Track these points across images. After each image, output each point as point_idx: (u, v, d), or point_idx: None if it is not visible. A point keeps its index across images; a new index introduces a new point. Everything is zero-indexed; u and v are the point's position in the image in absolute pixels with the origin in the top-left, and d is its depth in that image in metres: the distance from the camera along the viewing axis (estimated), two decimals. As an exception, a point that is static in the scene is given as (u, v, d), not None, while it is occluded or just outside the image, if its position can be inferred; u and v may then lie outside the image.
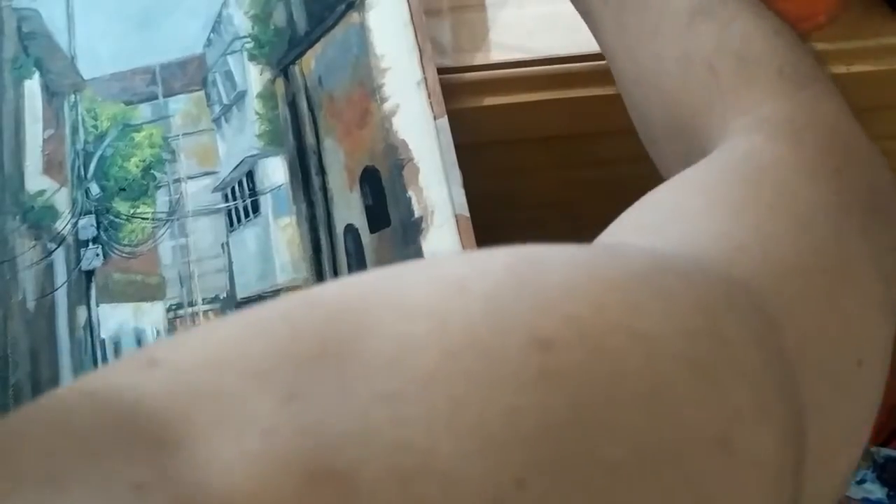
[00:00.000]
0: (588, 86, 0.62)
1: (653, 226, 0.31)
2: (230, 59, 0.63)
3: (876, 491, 0.81)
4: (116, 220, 0.60)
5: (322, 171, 0.60)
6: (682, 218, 0.30)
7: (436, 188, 0.57)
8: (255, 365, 0.20)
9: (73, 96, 0.64)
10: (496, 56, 0.62)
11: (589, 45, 0.62)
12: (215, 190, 0.61)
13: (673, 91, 0.40)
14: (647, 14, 0.42)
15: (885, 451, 0.83)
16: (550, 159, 0.64)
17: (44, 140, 0.63)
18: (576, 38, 0.62)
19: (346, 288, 0.24)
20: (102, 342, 0.58)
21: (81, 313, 0.58)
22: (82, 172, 0.61)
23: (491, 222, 0.57)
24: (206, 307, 0.58)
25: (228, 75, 0.63)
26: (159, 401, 0.20)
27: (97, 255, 0.59)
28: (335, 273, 0.57)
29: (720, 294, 0.24)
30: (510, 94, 0.62)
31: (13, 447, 0.19)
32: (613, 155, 0.66)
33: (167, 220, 0.60)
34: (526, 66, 0.62)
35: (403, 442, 0.18)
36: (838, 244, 0.30)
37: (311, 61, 0.62)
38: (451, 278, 0.22)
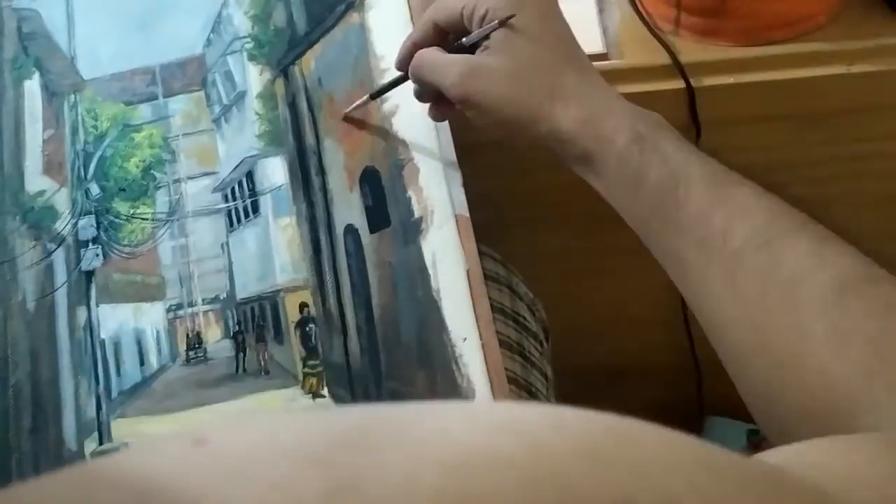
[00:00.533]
0: None
1: (835, 473, 0.28)
2: (230, 59, 0.64)
3: None
4: (116, 220, 0.60)
5: (322, 172, 0.60)
6: (864, 478, 0.29)
7: (436, 188, 0.57)
8: (308, 455, 0.21)
9: (72, 96, 0.64)
10: None
11: (586, 45, 0.62)
12: (215, 190, 0.61)
13: (821, 369, 0.38)
14: (776, 277, 0.39)
15: None
16: (548, 159, 0.64)
17: (44, 140, 0.63)
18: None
19: (417, 403, 0.25)
20: (102, 342, 0.58)
21: (81, 313, 0.58)
22: (82, 173, 0.62)
23: (490, 222, 0.57)
24: (206, 307, 0.58)
25: (228, 75, 0.63)
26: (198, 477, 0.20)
27: (97, 255, 0.59)
28: (335, 273, 0.58)
29: None
30: None
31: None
32: None
33: (167, 221, 0.60)
34: None
35: None
36: None
37: (310, 62, 0.62)
38: (550, 415, 0.23)
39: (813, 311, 0.38)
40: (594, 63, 0.61)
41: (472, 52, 0.51)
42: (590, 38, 0.63)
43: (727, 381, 0.82)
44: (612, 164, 0.45)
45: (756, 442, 0.82)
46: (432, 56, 0.52)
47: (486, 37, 0.50)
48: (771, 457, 0.31)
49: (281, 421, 0.24)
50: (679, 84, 0.61)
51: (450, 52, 0.52)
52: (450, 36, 0.53)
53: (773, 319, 0.40)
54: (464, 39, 0.52)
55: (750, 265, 0.41)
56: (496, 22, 0.49)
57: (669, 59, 0.61)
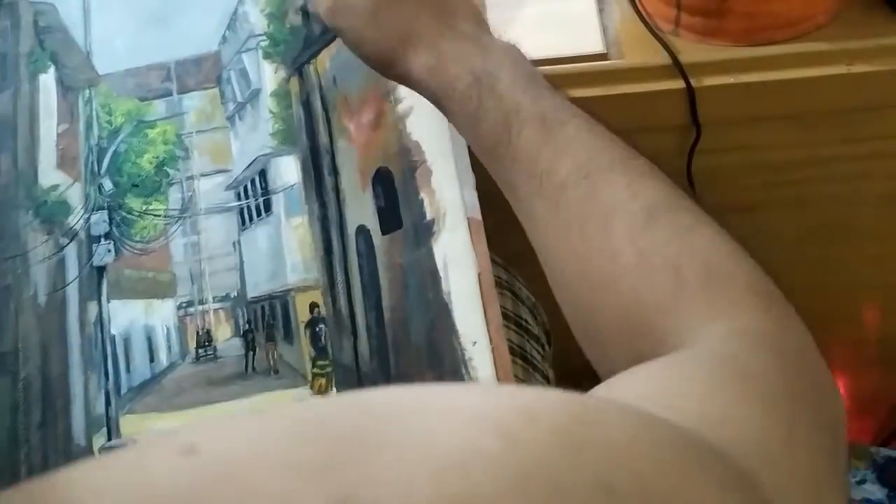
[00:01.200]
0: (586, 85, 0.62)
1: (659, 402, 0.31)
2: (245, 56, 0.64)
3: (876, 491, 0.81)
4: (129, 216, 0.60)
5: (335, 172, 0.60)
6: (685, 399, 0.33)
7: (448, 191, 0.57)
8: (305, 465, 0.21)
9: (87, 91, 0.64)
10: None
11: (586, 45, 0.62)
12: (228, 188, 0.61)
13: (630, 290, 0.41)
14: (592, 208, 0.43)
15: (885, 452, 0.83)
16: None
17: (58, 135, 0.63)
18: (573, 39, 0.62)
19: (398, 393, 0.26)
20: (113, 338, 0.58)
21: (92, 309, 0.59)
22: (96, 168, 0.62)
23: (491, 224, 0.57)
24: (217, 305, 0.59)
25: (243, 73, 0.63)
26: (194, 491, 0.20)
27: (109, 250, 0.60)
28: (346, 274, 0.58)
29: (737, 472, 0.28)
30: None
31: None
32: None
33: (179, 218, 0.60)
34: None
35: None
36: (817, 458, 0.33)
37: (325, 61, 0.62)
38: (519, 405, 0.24)
39: (624, 238, 0.42)
40: (592, 63, 0.61)
41: None
42: (590, 38, 0.63)
43: None
44: (454, 107, 0.49)
45: None
46: None
47: None
48: (601, 391, 0.35)
49: (271, 423, 0.24)
50: (679, 84, 0.61)
51: None
52: None
53: (590, 246, 0.43)
54: None
55: (571, 197, 0.44)
56: None
57: (669, 58, 0.61)
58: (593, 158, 0.45)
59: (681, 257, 0.41)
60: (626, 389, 0.35)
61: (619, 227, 0.42)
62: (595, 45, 0.62)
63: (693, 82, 0.61)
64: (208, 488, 0.20)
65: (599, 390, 0.35)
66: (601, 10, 0.65)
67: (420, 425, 0.23)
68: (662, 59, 0.61)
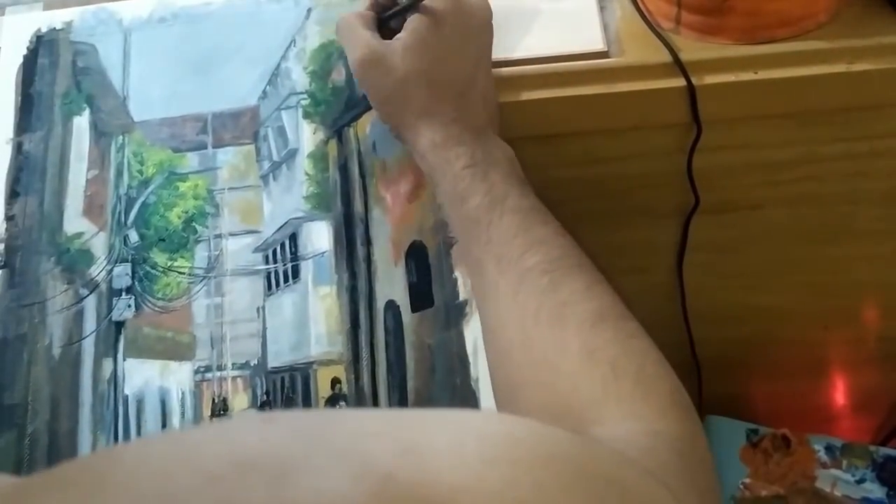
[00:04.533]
0: (586, 83, 0.62)
1: None
2: (284, 114, 0.63)
3: (875, 490, 0.82)
4: (153, 271, 0.60)
5: (368, 242, 0.59)
6: None
7: (484, 272, 0.56)
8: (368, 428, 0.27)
9: (121, 138, 0.64)
10: (496, 55, 0.62)
11: (587, 43, 0.63)
12: (256, 250, 0.60)
13: (570, 375, 0.47)
14: (552, 299, 0.49)
15: (885, 451, 0.83)
16: (551, 157, 0.65)
17: (87, 180, 0.63)
18: (574, 37, 0.63)
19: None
20: (126, 398, 0.57)
21: (107, 366, 0.58)
22: (123, 218, 0.61)
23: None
24: (236, 373, 0.58)
25: (281, 131, 0.63)
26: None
27: (129, 305, 0.59)
28: (371, 350, 0.57)
29: None
30: (511, 92, 0.62)
31: (136, 465, 0.25)
32: (613, 153, 0.67)
33: (204, 277, 0.60)
34: (526, 65, 0.63)
35: None
36: None
37: (366, 125, 0.62)
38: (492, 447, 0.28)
39: (573, 330, 0.48)
40: (592, 61, 0.61)
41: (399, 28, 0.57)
42: (590, 36, 0.63)
43: (727, 381, 0.82)
44: (447, 183, 0.54)
45: (755, 441, 0.83)
46: (350, 24, 0.58)
47: (410, 13, 0.57)
48: None
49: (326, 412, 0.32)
50: (680, 82, 0.62)
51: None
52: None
53: (540, 329, 0.49)
54: (386, 14, 0.58)
55: (534, 283, 0.50)
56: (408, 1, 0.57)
57: (670, 56, 0.62)
58: (562, 258, 0.51)
59: (619, 359, 0.47)
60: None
61: (572, 321, 0.48)
62: (596, 42, 0.63)
63: (694, 80, 0.62)
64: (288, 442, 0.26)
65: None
66: (602, 8, 0.66)
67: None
68: (663, 56, 0.62)
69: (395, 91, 0.56)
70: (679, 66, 0.62)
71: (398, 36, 0.56)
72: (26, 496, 0.26)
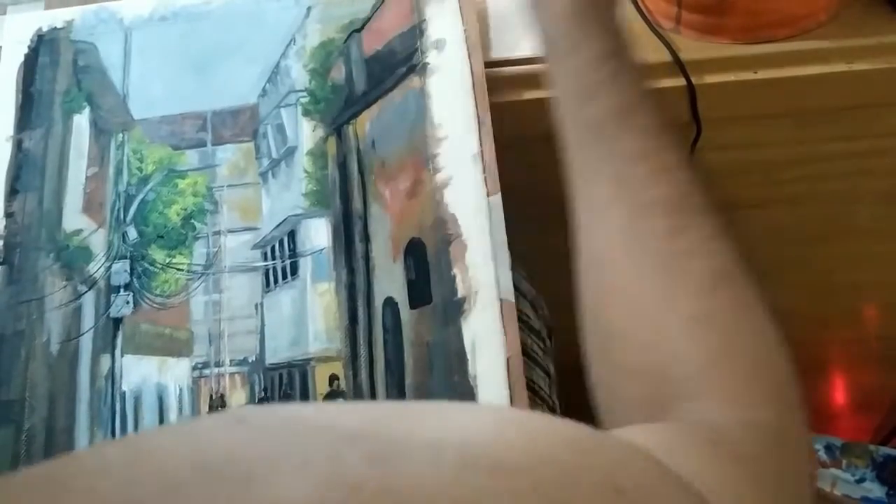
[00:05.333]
0: None
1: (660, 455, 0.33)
2: (284, 112, 0.64)
3: (875, 490, 0.82)
4: (151, 268, 0.60)
5: (366, 239, 0.59)
6: (684, 460, 0.34)
7: (482, 268, 0.56)
8: (338, 431, 0.26)
9: (120, 135, 0.64)
10: (497, 54, 0.63)
11: None
12: (255, 247, 0.61)
13: (674, 340, 0.42)
14: (667, 246, 0.43)
15: (885, 450, 0.84)
16: (552, 156, 0.65)
17: (86, 178, 0.63)
18: None
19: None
20: (123, 394, 0.57)
21: (105, 362, 0.58)
22: (122, 215, 0.62)
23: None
24: (234, 369, 0.58)
25: (280, 129, 0.64)
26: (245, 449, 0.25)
27: (127, 302, 0.59)
28: (370, 347, 0.57)
29: None
30: (511, 91, 0.62)
31: (97, 472, 0.24)
32: None
33: (202, 274, 0.60)
34: (526, 64, 0.63)
35: None
36: None
37: (365, 123, 0.62)
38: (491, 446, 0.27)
39: (689, 289, 0.42)
40: None
41: None
42: None
43: None
44: (573, 69, 0.47)
45: None
46: None
47: None
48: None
49: (305, 406, 0.30)
50: (680, 81, 0.62)
51: None
52: None
53: (653, 280, 0.43)
54: None
55: (654, 221, 0.44)
56: None
57: (670, 56, 0.63)
58: (687, 196, 0.45)
59: (732, 333, 0.42)
60: (631, 436, 0.36)
61: (688, 278, 0.43)
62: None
63: (694, 79, 0.62)
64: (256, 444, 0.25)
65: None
66: None
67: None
68: (663, 56, 0.63)
69: (562, 21, 0.48)
70: (679, 66, 0.62)
71: None
72: None
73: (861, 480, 0.83)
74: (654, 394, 0.42)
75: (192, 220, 0.62)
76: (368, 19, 0.64)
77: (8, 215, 0.62)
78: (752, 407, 0.40)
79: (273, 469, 0.24)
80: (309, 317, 0.58)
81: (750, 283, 0.43)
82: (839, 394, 0.90)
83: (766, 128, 0.67)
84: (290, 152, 0.63)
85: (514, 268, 0.64)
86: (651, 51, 0.63)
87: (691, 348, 0.41)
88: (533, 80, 0.62)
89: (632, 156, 0.45)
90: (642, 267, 0.43)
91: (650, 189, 0.44)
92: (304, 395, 0.57)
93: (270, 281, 0.60)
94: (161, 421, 0.57)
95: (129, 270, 0.60)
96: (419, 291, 0.57)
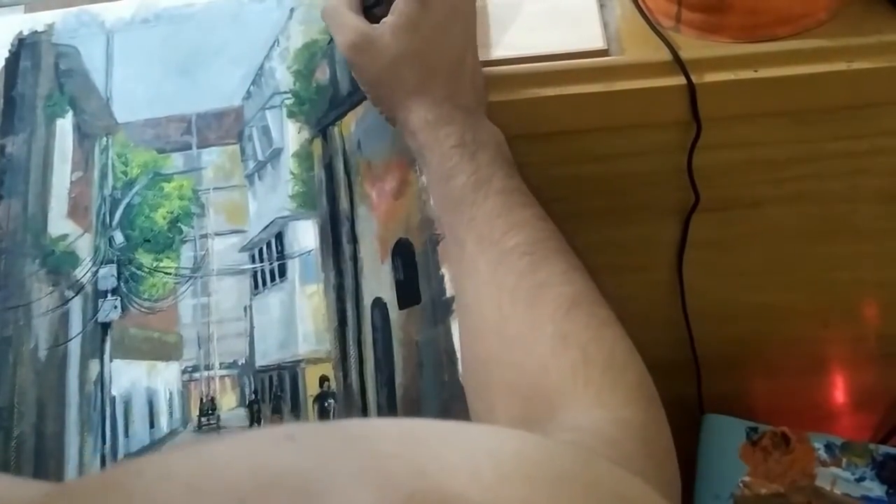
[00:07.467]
0: (587, 82, 0.64)
1: None
2: (269, 114, 0.66)
3: (875, 489, 0.83)
4: (138, 272, 0.62)
5: (354, 240, 0.61)
6: None
7: (470, 267, 0.58)
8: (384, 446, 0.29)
9: (104, 139, 0.66)
10: (497, 53, 0.64)
11: (587, 41, 0.64)
12: (242, 249, 0.63)
13: (541, 357, 0.49)
14: (528, 281, 0.52)
15: (885, 449, 0.85)
16: (551, 155, 0.67)
17: (71, 182, 0.65)
18: (574, 35, 0.65)
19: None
20: (113, 399, 0.59)
21: (94, 367, 0.60)
22: (107, 219, 0.64)
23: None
24: (223, 372, 0.60)
25: (265, 131, 0.65)
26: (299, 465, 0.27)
27: (115, 307, 0.61)
28: (359, 348, 0.59)
29: None
30: (511, 90, 0.64)
31: (161, 480, 0.26)
32: (613, 150, 0.69)
33: (190, 277, 0.62)
34: (526, 63, 0.65)
35: None
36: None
37: (351, 124, 0.64)
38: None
39: (548, 313, 0.50)
40: (593, 59, 0.63)
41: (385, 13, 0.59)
42: (591, 34, 0.65)
43: (726, 379, 0.84)
44: (434, 160, 0.57)
45: (755, 439, 0.84)
46: (337, 9, 0.60)
47: None
48: None
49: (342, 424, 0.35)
50: (680, 80, 0.64)
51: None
52: None
53: (516, 308, 0.51)
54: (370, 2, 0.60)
55: (513, 264, 0.52)
56: None
57: (670, 55, 0.64)
58: (542, 241, 0.54)
59: (590, 345, 0.49)
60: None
61: (548, 303, 0.51)
62: (596, 41, 0.65)
63: (694, 78, 0.63)
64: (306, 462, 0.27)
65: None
66: (602, 6, 0.68)
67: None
68: (663, 55, 0.64)
69: (387, 72, 0.58)
70: (679, 65, 0.63)
71: (385, 19, 0.58)
72: None
73: (861, 479, 0.84)
74: (529, 409, 0.48)
75: (179, 224, 0.63)
76: (352, 19, 0.66)
77: (-8, 221, 0.64)
78: (617, 407, 0.47)
79: (330, 482, 0.26)
80: (298, 318, 0.60)
81: (603, 304, 0.52)
82: (839, 392, 0.92)
83: (766, 126, 0.68)
84: (276, 154, 0.65)
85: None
86: (651, 49, 0.64)
87: (556, 362, 0.49)
88: (530, 80, 0.64)
89: (491, 215, 0.54)
90: (508, 301, 0.52)
91: (510, 239, 0.53)
92: (295, 397, 0.59)
93: (259, 283, 0.62)
94: (152, 426, 0.59)
95: (116, 275, 0.62)
96: (407, 291, 0.59)
